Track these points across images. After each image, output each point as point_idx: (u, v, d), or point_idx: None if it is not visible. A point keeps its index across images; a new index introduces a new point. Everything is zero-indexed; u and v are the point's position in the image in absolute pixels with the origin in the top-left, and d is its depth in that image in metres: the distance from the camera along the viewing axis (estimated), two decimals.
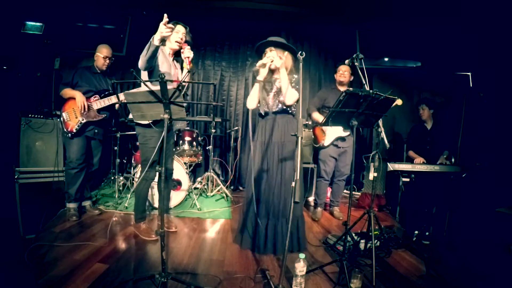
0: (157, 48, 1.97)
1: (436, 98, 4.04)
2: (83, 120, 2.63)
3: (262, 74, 2.09)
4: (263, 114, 2.31)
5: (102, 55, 2.76)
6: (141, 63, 2.04)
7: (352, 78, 3.18)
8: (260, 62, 2.10)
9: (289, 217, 1.56)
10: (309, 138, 3.64)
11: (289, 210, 2.17)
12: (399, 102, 2.81)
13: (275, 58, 2.12)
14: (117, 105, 2.78)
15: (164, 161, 1.63)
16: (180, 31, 2.30)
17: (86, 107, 2.61)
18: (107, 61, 2.79)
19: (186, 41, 2.32)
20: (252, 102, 2.24)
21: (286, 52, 2.21)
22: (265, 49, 2.20)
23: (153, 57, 2.03)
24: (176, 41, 2.29)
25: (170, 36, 2.19)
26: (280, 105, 2.24)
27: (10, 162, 2.70)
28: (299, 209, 2.31)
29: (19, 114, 3.05)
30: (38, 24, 3.56)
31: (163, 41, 2.23)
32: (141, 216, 2.45)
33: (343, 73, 3.12)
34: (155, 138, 2.26)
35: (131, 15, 4.02)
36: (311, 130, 3.50)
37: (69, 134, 2.62)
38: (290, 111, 2.28)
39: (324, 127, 3.19)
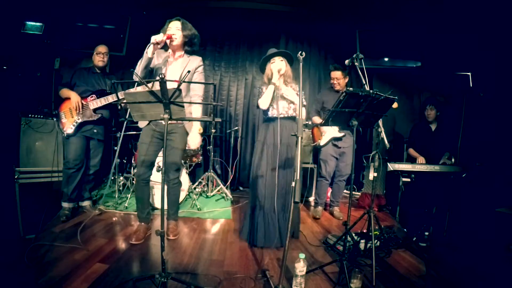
0: (150, 59, 2.09)
1: (436, 98, 4.04)
2: (79, 119, 2.65)
3: (276, 77, 2.30)
4: (270, 117, 2.39)
5: (95, 52, 2.81)
6: (139, 71, 2.11)
7: (347, 79, 3.17)
8: (276, 66, 2.32)
9: (289, 215, 1.57)
10: (309, 138, 3.64)
11: (287, 206, 2.32)
12: (394, 105, 2.82)
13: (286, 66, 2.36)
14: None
15: (164, 162, 1.63)
16: (171, 28, 2.19)
17: (80, 107, 2.63)
18: (101, 56, 2.80)
19: (184, 35, 2.21)
20: (265, 103, 2.34)
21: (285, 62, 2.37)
22: (271, 58, 2.37)
23: (146, 66, 2.13)
24: (169, 37, 2.15)
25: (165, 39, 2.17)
26: (286, 112, 2.38)
27: (10, 162, 2.70)
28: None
29: (19, 114, 3.05)
30: (38, 24, 3.56)
31: (164, 46, 2.24)
32: (138, 216, 2.45)
33: (337, 82, 3.09)
34: (144, 134, 2.30)
35: (131, 15, 4.02)
36: (311, 130, 3.50)
37: (65, 134, 2.64)
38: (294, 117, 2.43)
39: (322, 128, 3.20)
